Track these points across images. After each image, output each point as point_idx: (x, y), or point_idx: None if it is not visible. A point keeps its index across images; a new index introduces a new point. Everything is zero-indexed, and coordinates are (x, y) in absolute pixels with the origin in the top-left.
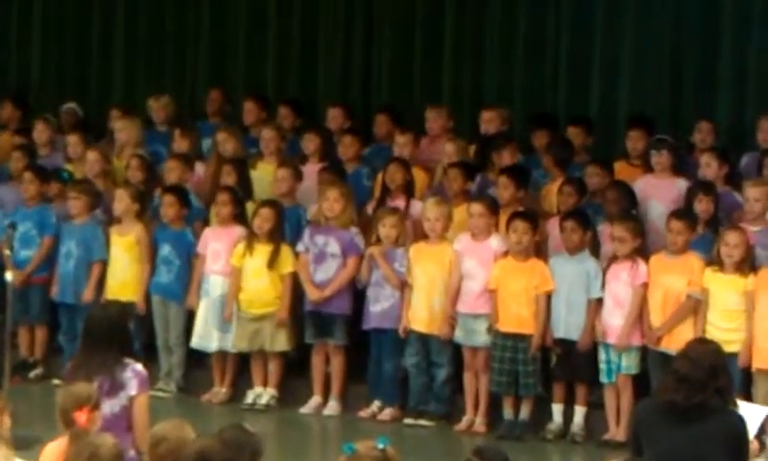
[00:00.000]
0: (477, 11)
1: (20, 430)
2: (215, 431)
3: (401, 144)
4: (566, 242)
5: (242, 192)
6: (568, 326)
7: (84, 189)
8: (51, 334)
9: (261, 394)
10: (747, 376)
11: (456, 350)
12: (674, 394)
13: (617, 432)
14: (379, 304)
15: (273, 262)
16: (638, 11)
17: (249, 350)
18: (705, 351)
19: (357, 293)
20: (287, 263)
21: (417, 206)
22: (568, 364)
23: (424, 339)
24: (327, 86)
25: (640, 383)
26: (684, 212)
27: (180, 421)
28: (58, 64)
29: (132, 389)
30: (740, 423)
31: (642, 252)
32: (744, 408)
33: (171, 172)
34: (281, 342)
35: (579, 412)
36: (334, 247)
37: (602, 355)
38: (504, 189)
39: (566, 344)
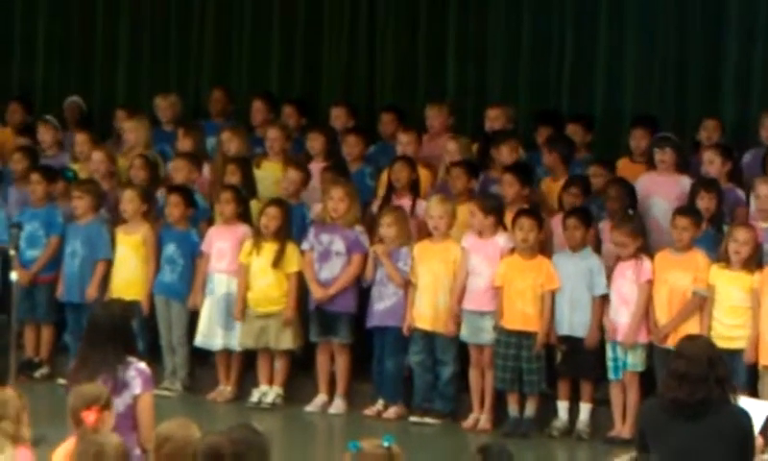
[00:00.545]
0: (481, 9)
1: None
2: (222, 430)
3: (404, 143)
4: (569, 239)
5: (246, 191)
6: (572, 323)
7: (88, 189)
8: (57, 334)
9: (267, 392)
10: (753, 372)
11: (461, 347)
12: (677, 392)
13: (623, 429)
14: (383, 303)
15: (278, 261)
16: (643, 8)
17: (255, 347)
18: (698, 345)
19: (362, 291)
20: (293, 262)
21: (422, 204)
22: (574, 361)
23: (429, 337)
24: (332, 86)
25: (646, 380)
26: (689, 209)
27: (185, 420)
28: (62, 64)
29: (137, 388)
30: (745, 418)
31: (645, 249)
32: (748, 404)
33: (178, 172)
34: (287, 340)
35: (584, 409)
36: (339, 245)
37: (609, 353)
38: (509, 186)
39: (571, 341)
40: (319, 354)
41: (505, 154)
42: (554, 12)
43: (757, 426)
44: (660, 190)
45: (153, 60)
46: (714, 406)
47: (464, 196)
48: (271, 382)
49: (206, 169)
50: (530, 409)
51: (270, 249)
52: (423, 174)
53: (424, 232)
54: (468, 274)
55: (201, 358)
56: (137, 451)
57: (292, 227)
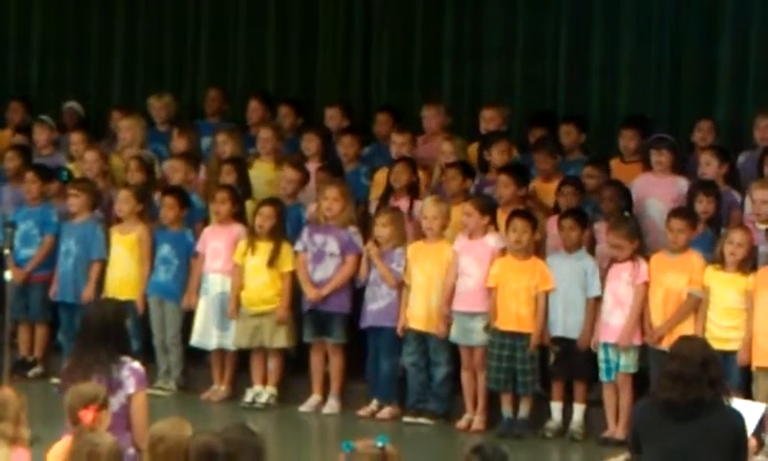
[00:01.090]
0: (476, 9)
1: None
2: (216, 429)
3: (399, 143)
4: (565, 240)
5: (241, 191)
6: (566, 324)
7: (83, 188)
8: (51, 333)
9: (260, 392)
10: (747, 374)
11: (455, 348)
12: (670, 392)
13: (616, 430)
14: (376, 303)
15: (273, 260)
16: (637, 9)
17: (249, 346)
18: (693, 346)
19: (357, 292)
20: (287, 261)
21: (419, 206)
22: (567, 362)
23: (423, 337)
24: (327, 86)
25: (639, 381)
26: (684, 211)
27: (179, 419)
28: (57, 64)
29: (130, 387)
30: (738, 419)
31: (642, 251)
32: (741, 405)
33: (175, 172)
34: (281, 339)
35: (578, 410)
36: (333, 246)
37: (601, 355)
38: (505, 187)
39: (565, 342)
40: (313, 355)
41: (495, 155)
42: (549, 12)
43: (750, 428)
44: (657, 191)
45: (148, 59)
46: (707, 407)
47: (459, 197)
48: (265, 382)
49: (203, 169)
50: (524, 410)
51: (264, 248)
52: (419, 175)
53: (422, 234)
54: (457, 275)
55: (195, 358)
56: (131, 451)
57: (286, 226)
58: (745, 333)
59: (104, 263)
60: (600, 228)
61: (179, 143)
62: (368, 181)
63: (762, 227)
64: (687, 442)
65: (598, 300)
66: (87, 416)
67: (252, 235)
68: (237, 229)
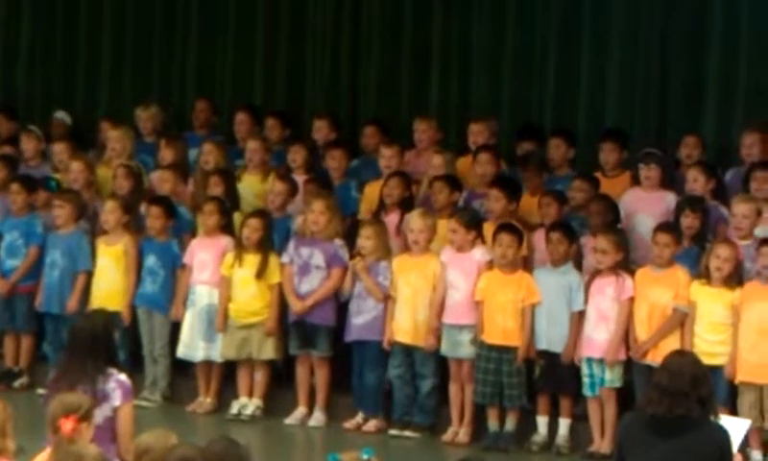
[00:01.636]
0: (465, 23)
1: None
2: (201, 442)
3: (387, 157)
4: (552, 253)
5: (229, 203)
6: (550, 338)
7: (69, 198)
8: (36, 344)
9: (246, 404)
10: (733, 388)
11: (440, 361)
12: (657, 407)
13: (602, 444)
14: (362, 317)
15: (261, 272)
16: (626, 24)
17: (236, 358)
18: (684, 362)
19: (342, 304)
20: (275, 273)
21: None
22: (552, 376)
23: (408, 351)
24: (315, 98)
25: (624, 395)
26: (670, 225)
27: (164, 431)
28: (44, 75)
29: (116, 399)
30: (723, 435)
31: (625, 265)
32: (726, 422)
33: (164, 183)
34: (269, 351)
35: (564, 424)
36: (319, 259)
37: (585, 370)
38: (495, 201)
39: (548, 356)
40: (298, 367)
41: (480, 169)
42: (537, 27)
43: (736, 444)
44: (646, 207)
45: (135, 70)
46: (693, 424)
47: (446, 210)
48: (250, 394)
49: (191, 181)
50: (510, 423)
51: (252, 260)
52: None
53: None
54: (446, 288)
55: (181, 369)
56: None
57: (274, 238)
58: (731, 348)
59: (89, 274)
60: (587, 242)
61: (166, 154)
62: (358, 195)
63: (743, 242)
64: (672, 457)
65: (582, 314)
66: (67, 425)
67: (240, 247)
68: (225, 241)
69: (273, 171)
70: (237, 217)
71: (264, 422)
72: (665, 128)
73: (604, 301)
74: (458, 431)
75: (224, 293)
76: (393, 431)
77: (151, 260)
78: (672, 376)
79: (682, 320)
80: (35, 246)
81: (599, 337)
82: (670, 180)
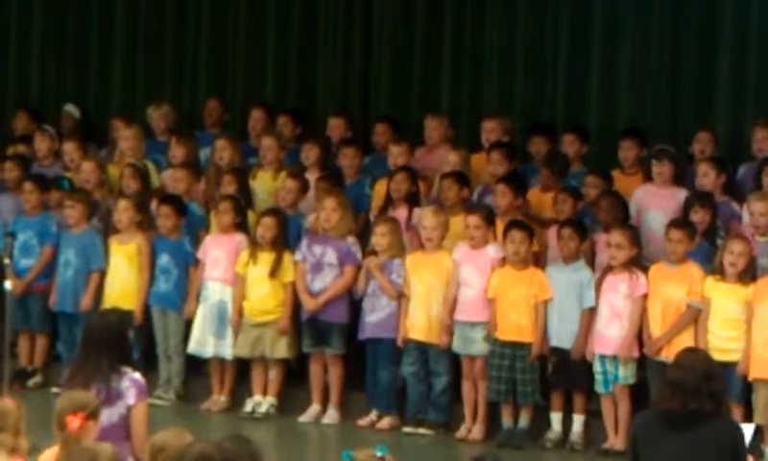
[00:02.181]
0: (476, 21)
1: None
2: (214, 440)
3: (396, 154)
4: (563, 250)
5: (243, 201)
6: (560, 334)
7: (80, 198)
8: (50, 343)
9: (260, 402)
10: (747, 385)
11: (454, 358)
12: (669, 402)
13: (616, 441)
14: (375, 314)
15: (275, 271)
16: (637, 21)
17: (250, 356)
18: (696, 358)
19: (356, 301)
20: (289, 272)
21: (418, 215)
22: (565, 373)
23: (422, 348)
24: (327, 96)
25: (638, 392)
26: (683, 222)
27: (179, 429)
28: (57, 73)
29: (131, 398)
30: (736, 430)
31: (638, 262)
32: None
33: (178, 182)
34: (282, 349)
35: (577, 420)
36: (331, 256)
37: (597, 367)
38: (502, 197)
39: (560, 352)
40: (312, 365)
41: (490, 167)
42: (548, 24)
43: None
44: (658, 203)
45: (147, 68)
46: (706, 418)
47: (456, 207)
48: (264, 392)
49: (202, 178)
50: (524, 420)
51: (266, 259)
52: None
53: (421, 243)
54: (459, 285)
55: (195, 367)
56: None
57: (288, 236)
58: (745, 344)
59: (103, 273)
60: (599, 238)
61: (177, 152)
62: (371, 192)
63: (762, 239)
64: (685, 452)
65: (593, 310)
66: (74, 422)
67: (254, 246)
68: (238, 238)
69: (285, 169)
70: (251, 215)
71: (278, 419)
72: (677, 124)
73: (617, 298)
74: (471, 428)
75: (238, 291)
76: (406, 429)
77: (164, 259)
78: (684, 371)
79: (695, 316)
80: (49, 245)
81: (612, 334)
82: (682, 175)
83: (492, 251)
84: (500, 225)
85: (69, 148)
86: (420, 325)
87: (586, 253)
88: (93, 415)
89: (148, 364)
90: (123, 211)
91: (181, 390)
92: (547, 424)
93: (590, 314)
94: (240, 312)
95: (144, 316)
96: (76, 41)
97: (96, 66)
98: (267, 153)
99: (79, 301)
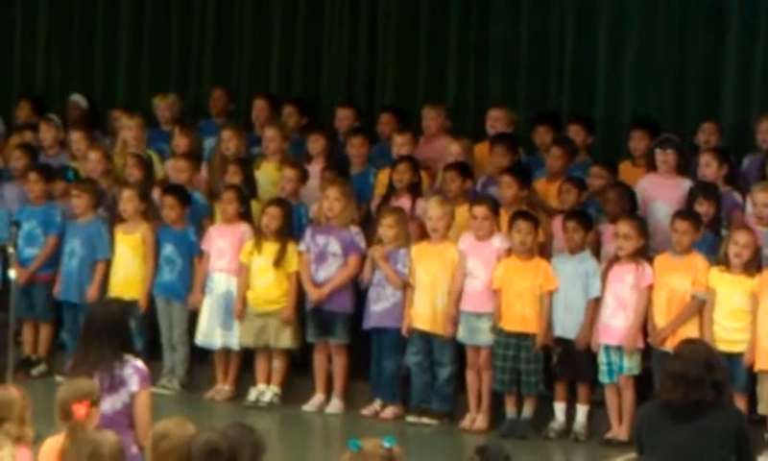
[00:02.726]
0: (482, 13)
1: None
2: (216, 428)
3: (400, 144)
4: (568, 241)
5: (247, 191)
6: (565, 325)
7: (87, 188)
8: (55, 332)
9: (264, 391)
10: (752, 376)
11: (458, 348)
12: (672, 393)
13: (620, 431)
14: (380, 304)
15: (279, 261)
16: (643, 12)
17: (254, 346)
18: (696, 348)
19: (360, 291)
20: (293, 262)
21: (422, 205)
22: (569, 363)
23: (427, 338)
24: (332, 86)
25: (642, 382)
26: (688, 212)
27: (182, 418)
28: (62, 63)
29: (134, 385)
30: (739, 418)
31: (645, 252)
32: None
33: (180, 172)
34: (286, 339)
35: (581, 411)
36: (335, 246)
37: (602, 357)
38: (507, 188)
39: (565, 343)
40: (316, 354)
41: (493, 160)
42: (554, 14)
43: None
44: (662, 193)
45: (153, 58)
46: (709, 408)
47: (459, 198)
48: (268, 382)
49: (204, 167)
50: (527, 410)
51: (271, 248)
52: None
53: (423, 233)
54: (465, 276)
55: (199, 357)
56: (134, 449)
57: (293, 226)
58: (750, 335)
59: (108, 263)
60: (605, 229)
61: (180, 142)
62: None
63: (765, 230)
64: (688, 439)
65: (598, 301)
66: (80, 410)
67: (259, 235)
68: (243, 228)
69: (289, 159)
70: (255, 205)
71: (282, 409)
72: (683, 114)
73: (623, 288)
74: (475, 418)
75: (242, 280)
76: (410, 418)
77: (168, 249)
78: (685, 362)
79: (700, 307)
80: (53, 235)
81: (617, 324)
82: (686, 165)
83: (498, 241)
84: (505, 216)
85: (76, 137)
86: (424, 315)
87: (591, 243)
88: (96, 402)
89: (152, 354)
90: (127, 201)
91: (185, 379)
92: (551, 415)
93: (596, 304)
94: (244, 301)
95: (148, 306)
96: (81, 33)
97: (101, 58)
98: (270, 143)
99: (84, 290)
